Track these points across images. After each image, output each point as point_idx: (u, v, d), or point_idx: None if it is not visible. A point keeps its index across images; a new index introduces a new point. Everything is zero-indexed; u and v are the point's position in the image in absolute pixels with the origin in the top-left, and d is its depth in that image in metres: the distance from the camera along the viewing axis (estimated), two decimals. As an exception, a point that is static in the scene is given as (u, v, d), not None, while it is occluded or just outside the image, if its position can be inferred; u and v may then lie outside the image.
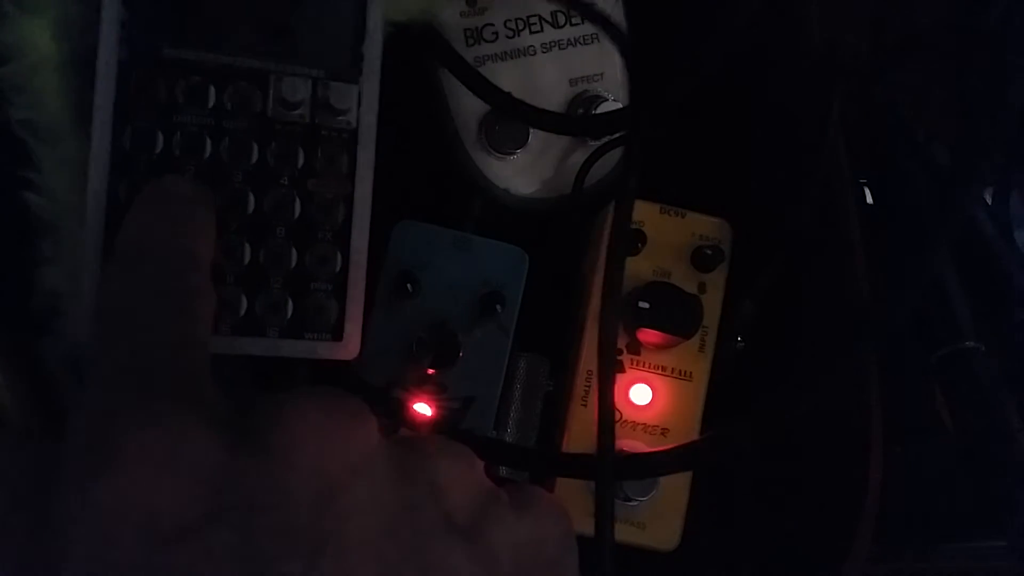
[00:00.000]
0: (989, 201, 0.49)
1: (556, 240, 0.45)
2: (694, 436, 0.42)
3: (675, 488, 0.42)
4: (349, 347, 0.37)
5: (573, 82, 0.46)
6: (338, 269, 0.37)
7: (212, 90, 0.35)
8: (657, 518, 0.42)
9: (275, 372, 0.39)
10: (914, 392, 0.44)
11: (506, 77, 0.44)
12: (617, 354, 0.42)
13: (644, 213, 0.43)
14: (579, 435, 0.42)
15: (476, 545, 0.26)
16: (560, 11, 0.46)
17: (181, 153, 0.35)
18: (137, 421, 0.24)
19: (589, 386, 0.42)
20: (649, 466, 0.38)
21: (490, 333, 0.42)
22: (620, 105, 0.45)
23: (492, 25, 0.45)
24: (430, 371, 0.41)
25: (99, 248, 0.34)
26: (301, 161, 0.36)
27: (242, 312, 0.36)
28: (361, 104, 0.37)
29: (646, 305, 0.41)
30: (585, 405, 0.42)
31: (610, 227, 0.39)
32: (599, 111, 0.45)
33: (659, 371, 0.43)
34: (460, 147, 0.45)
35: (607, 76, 0.46)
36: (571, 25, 0.46)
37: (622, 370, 0.43)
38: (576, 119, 0.45)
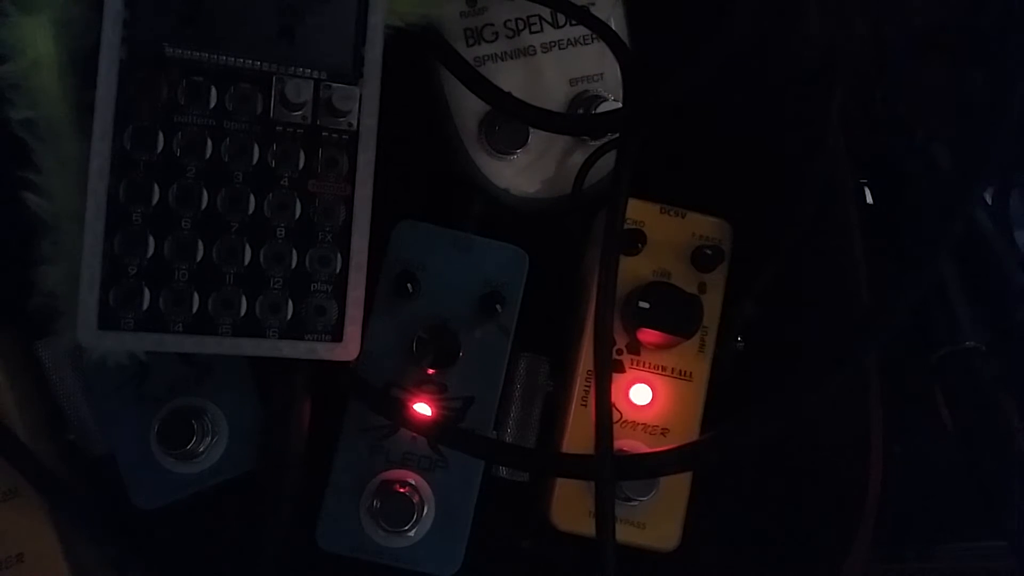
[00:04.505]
0: (989, 201, 0.49)
1: (556, 240, 0.45)
2: (694, 436, 0.42)
3: (675, 488, 0.42)
4: (349, 348, 0.37)
5: (573, 82, 0.46)
6: (338, 270, 0.37)
7: (213, 91, 0.35)
8: (657, 518, 0.42)
9: (274, 373, 0.39)
10: (914, 392, 0.44)
11: (506, 77, 0.44)
12: (617, 354, 0.42)
13: (644, 213, 0.43)
14: (579, 435, 0.42)
15: None
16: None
17: (182, 153, 0.35)
18: None
19: (589, 386, 0.42)
20: (649, 466, 0.38)
21: (490, 333, 0.42)
22: (620, 105, 0.45)
23: (492, 25, 0.45)
24: (430, 371, 0.41)
25: (99, 248, 0.34)
26: (302, 162, 0.36)
27: (242, 313, 0.36)
28: (362, 106, 0.37)
29: (646, 305, 0.41)
30: (585, 405, 0.42)
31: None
32: (599, 111, 0.45)
33: (659, 371, 0.43)
34: (460, 147, 0.45)
35: (607, 76, 0.46)
36: (571, 25, 0.46)
37: (622, 370, 0.43)
38: (576, 119, 0.45)
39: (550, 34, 0.46)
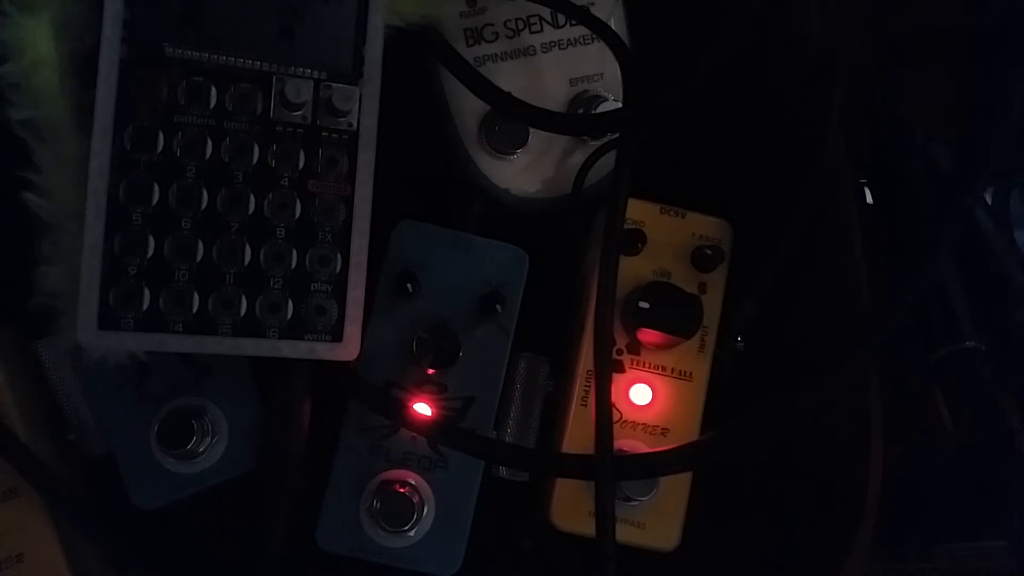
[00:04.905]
0: (989, 201, 0.49)
1: (556, 240, 0.45)
2: (694, 436, 0.42)
3: (675, 488, 0.42)
4: (349, 347, 0.37)
5: (573, 82, 0.46)
6: (338, 270, 0.37)
7: (213, 91, 0.35)
8: (657, 518, 0.42)
9: (274, 373, 0.39)
10: (914, 392, 0.44)
11: (506, 77, 0.44)
12: (617, 354, 0.42)
13: (644, 213, 0.43)
14: (579, 435, 0.42)
15: None
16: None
17: (182, 153, 0.35)
18: None
19: (589, 386, 0.42)
20: (649, 466, 0.38)
21: (490, 333, 0.42)
22: (620, 105, 0.45)
23: (492, 25, 0.45)
24: (430, 371, 0.41)
25: (99, 248, 0.34)
26: (302, 162, 0.36)
27: (242, 313, 0.36)
28: (362, 105, 0.37)
29: (646, 305, 0.41)
30: (585, 405, 0.42)
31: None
32: (599, 111, 0.45)
33: (659, 371, 0.43)
34: (460, 147, 0.45)
35: (607, 76, 0.46)
36: (571, 25, 0.46)
37: (622, 370, 0.43)
38: (576, 119, 0.45)
39: (550, 34, 0.46)
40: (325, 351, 0.37)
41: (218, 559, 0.41)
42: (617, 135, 0.43)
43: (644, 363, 0.43)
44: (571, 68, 0.46)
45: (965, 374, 0.43)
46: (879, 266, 0.40)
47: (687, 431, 0.42)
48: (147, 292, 0.35)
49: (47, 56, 0.34)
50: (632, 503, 0.41)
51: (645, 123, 0.40)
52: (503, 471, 0.42)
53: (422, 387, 0.41)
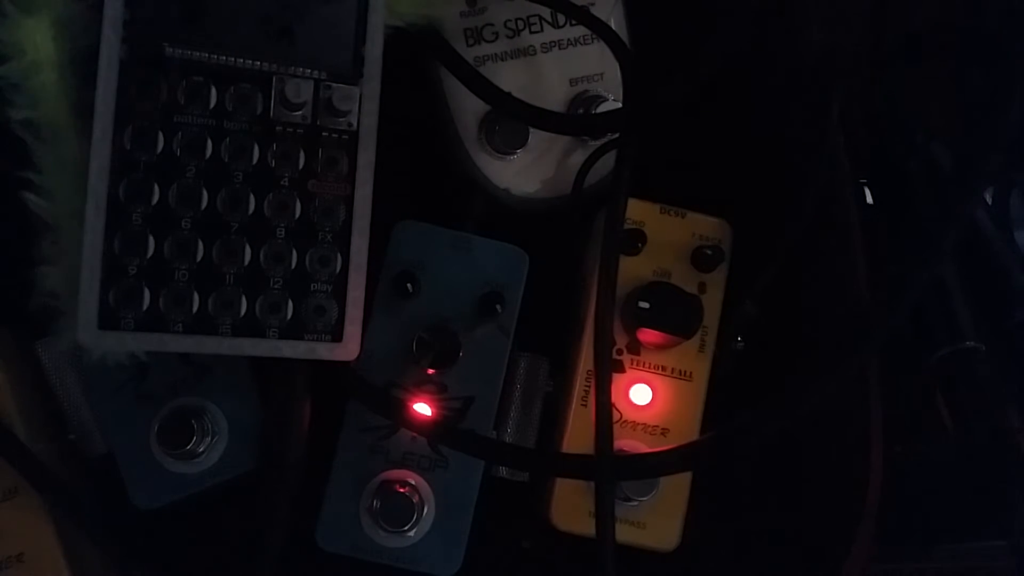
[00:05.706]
0: (989, 201, 0.49)
1: (556, 240, 0.45)
2: (694, 436, 0.42)
3: (675, 488, 0.42)
4: (349, 347, 0.37)
5: (573, 82, 0.46)
6: (338, 270, 0.37)
7: (213, 91, 0.35)
8: (657, 518, 0.42)
9: (274, 373, 0.39)
10: (914, 392, 0.44)
11: (506, 77, 0.44)
12: (617, 354, 0.42)
13: (644, 213, 0.43)
14: (579, 435, 0.42)
15: None
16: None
17: (182, 153, 0.35)
18: None
19: (589, 386, 0.42)
20: (649, 466, 0.38)
21: (490, 333, 0.42)
22: (620, 105, 0.45)
23: (492, 25, 0.45)
24: (430, 371, 0.41)
25: (99, 248, 0.34)
26: (302, 162, 0.36)
27: (242, 313, 0.36)
28: (362, 105, 0.37)
29: (646, 305, 0.41)
30: (585, 405, 0.42)
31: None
32: (599, 111, 0.45)
33: (659, 371, 0.43)
34: (460, 147, 0.45)
35: (607, 76, 0.46)
36: (571, 25, 0.46)
37: (622, 370, 0.43)
38: (576, 119, 0.45)
39: (550, 34, 0.46)
40: (325, 351, 0.37)
41: (218, 559, 0.41)
42: (617, 135, 0.43)
43: (644, 363, 0.43)
44: (571, 68, 0.46)
45: (965, 374, 0.43)
46: (879, 266, 0.40)
47: (687, 431, 0.42)
48: (147, 292, 0.35)
49: (47, 56, 0.34)
50: (632, 503, 0.41)
51: (645, 123, 0.40)
52: (503, 471, 0.42)
53: (422, 387, 0.41)
